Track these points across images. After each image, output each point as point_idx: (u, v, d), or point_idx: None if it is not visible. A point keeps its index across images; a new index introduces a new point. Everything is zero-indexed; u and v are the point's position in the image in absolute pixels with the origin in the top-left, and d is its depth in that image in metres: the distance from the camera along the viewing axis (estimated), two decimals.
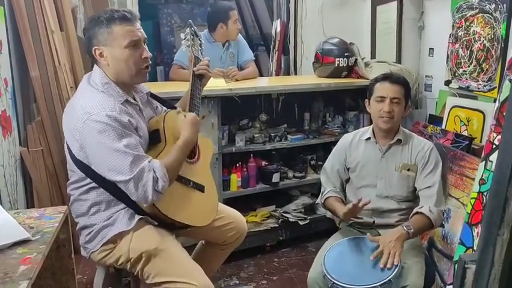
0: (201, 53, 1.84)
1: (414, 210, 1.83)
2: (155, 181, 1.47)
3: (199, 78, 1.77)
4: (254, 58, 3.17)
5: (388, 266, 1.61)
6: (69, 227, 1.49)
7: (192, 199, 1.68)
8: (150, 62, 1.61)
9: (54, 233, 1.32)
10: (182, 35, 1.84)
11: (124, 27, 1.53)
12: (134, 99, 1.66)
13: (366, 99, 1.98)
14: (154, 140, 1.64)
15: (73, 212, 1.64)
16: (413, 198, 1.92)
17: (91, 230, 1.59)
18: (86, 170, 1.54)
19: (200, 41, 1.87)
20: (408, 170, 1.90)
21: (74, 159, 1.56)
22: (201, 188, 1.72)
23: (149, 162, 1.49)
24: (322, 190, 2.01)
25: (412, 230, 1.73)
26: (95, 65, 1.61)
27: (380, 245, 1.68)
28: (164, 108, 1.83)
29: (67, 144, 1.58)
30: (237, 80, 2.73)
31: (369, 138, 1.96)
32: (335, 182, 2.00)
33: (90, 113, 1.46)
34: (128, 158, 1.45)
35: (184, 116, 1.65)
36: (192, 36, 1.82)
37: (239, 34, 3.06)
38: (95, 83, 1.56)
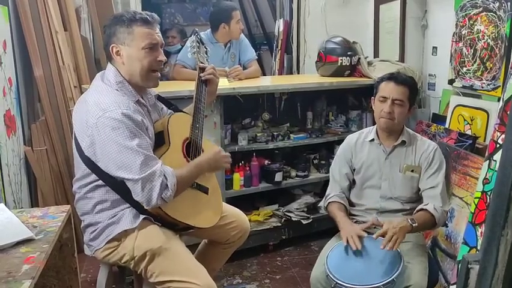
0: (207, 60, 1.89)
1: (419, 207, 1.83)
2: (163, 187, 1.48)
3: (205, 84, 1.81)
4: (257, 57, 3.17)
5: (387, 248, 1.61)
6: (72, 226, 1.50)
7: (195, 200, 1.68)
8: (162, 67, 1.64)
9: (58, 232, 1.32)
10: (188, 43, 1.90)
11: (144, 29, 1.55)
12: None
13: (372, 98, 1.97)
14: (158, 142, 1.66)
15: (78, 210, 1.65)
16: (417, 199, 1.91)
17: (95, 228, 1.60)
18: (93, 167, 1.55)
19: (206, 48, 1.93)
20: (412, 171, 1.89)
21: (82, 156, 1.56)
22: (204, 190, 1.72)
23: (161, 166, 1.50)
24: (327, 193, 2.00)
25: (416, 224, 1.72)
26: (109, 63, 1.63)
27: (384, 226, 1.68)
28: (170, 110, 1.84)
29: (76, 140, 1.59)
30: (240, 79, 2.73)
31: (373, 139, 1.95)
32: (342, 184, 1.98)
33: (105, 110, 1.47)
34: (140, 158, 1.46)
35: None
36: (197, 44, 1.87)
37: (241, 33, 3.06)
38: (109, 80, 1.58)
